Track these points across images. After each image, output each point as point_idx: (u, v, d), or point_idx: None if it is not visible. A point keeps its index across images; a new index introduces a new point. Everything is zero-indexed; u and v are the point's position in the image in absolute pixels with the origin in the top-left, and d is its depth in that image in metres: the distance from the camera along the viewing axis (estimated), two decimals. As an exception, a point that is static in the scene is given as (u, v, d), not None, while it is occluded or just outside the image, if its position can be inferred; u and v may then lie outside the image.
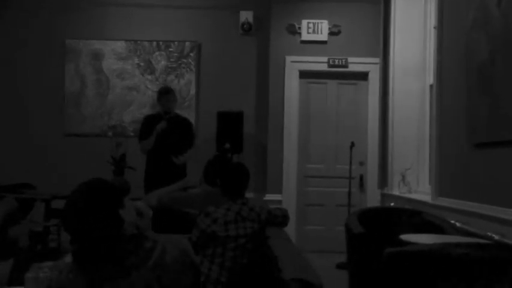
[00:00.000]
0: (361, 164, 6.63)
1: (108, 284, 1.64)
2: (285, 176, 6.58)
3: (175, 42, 6.90)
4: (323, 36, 6.63)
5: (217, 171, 3.59)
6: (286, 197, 6.54)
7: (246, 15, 6.82)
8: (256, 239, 3.14)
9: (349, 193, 6.11)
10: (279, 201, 6.37)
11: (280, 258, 2.44)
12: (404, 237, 3.26)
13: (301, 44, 6.65)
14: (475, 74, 3.67)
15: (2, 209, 4.31)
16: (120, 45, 6.89)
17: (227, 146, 6.24)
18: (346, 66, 6.64)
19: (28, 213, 5.06)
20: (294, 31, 6.64)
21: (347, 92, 6.78)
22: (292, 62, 6.64)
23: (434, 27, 4.78)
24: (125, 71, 6.91)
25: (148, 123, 5.49)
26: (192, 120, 6.26)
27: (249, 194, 3.45)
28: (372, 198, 6.43)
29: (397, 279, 2.77)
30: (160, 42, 6.90)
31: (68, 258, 1.76)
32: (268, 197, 6.48)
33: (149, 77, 6.91)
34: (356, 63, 6.64)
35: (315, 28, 6.63)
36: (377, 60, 6.44)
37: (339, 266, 5.61)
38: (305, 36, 6.63)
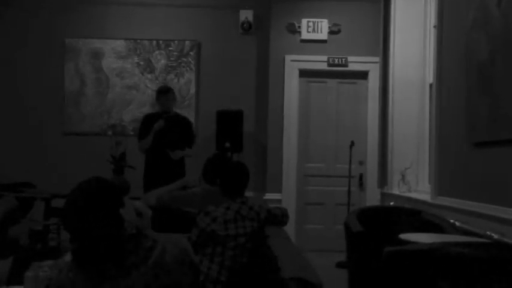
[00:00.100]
0: (361, 163, 6.64)
1: (108, 283, 1.64)
2: (284, 175, 6.58)
3: (175, 41, 6.90)
4: (323, 35, 6.63)
5: (216, 170, 3.59)
6: (285, 196, 6.54)
7: (246, 14, 6.82)
8: (255, 238, 3.14)
9: (349, 192, 6.12)
10: (279, 200, 6.37)
11: (280, 257, 2.44)
12: (404, 236, 3.26)
13: (301, 43, 6.65)
14: (474, 74, 3.67)
15: (2, 208, 4.31)
16: (119, 44, 6.89)
17: (227, 145, 6.24)
18: (346, 65, 6.64)
19: (28, 212, 5.05)
20: (294, 30, 6.64)
21: (347, 91, 6.78)
22: (292, 61, 6.63)
23: (434, 27, 4.78)
24: (124, 70, 6.91)
25: (147, 122, 5.49)
26: (192, 119, 6.26)
27: (248, 193, 3.44)
28: (372, 197, 6.44)
29: (396, 278, 2.77)
30: (160, 41, 6.90)
31: (68, 257, 1.76)
32: (268, 196, 6.48)
33: (149, 76, 6.91)
34: (356, 62, 6.64)
35: (315, 27, 6.62)
36: (377, 59, 6.44)
37: (339, 265, 5.61)
38: (305, 35, 6.63)
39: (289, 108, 6.62)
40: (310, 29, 6.62)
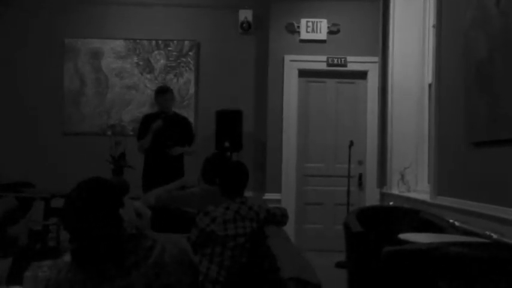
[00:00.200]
0: (360, 163, 6.64)
1: (107, 283, 1.64)
2: (284, 175, 6.58)
3: (175, 41, 6.90)
4: (322, 35, 6.63)
5: (216, 170, 3.58)
6: (285, 195, 6.54)
7: (245, 14, 6.82)
8: (255, 238, 3.13)
9: (348, 192, 6.12)
10: (278, 200, 6.37)
11: (279, 257, 2.44)
12: (403, 236, 3.27)
13: (300, 43, 6.65)
14: (473, 73, 3.67)
15: (2, 208, 4.31)
16: (119, 44, 6.89)
17: (226, 144, 6.24)
18: (345, 65, 6.64)
19: (27, 211, 5.06)
20: (293, 30, 6.64)
21: (346, 91, 6.78)
22: (291, 61, 6.63)
23: (433, 26, 4.78)
24: (124, 69, 6.91)
25: (147, 122, 5.49)
26: (191, 119, 6.26)
27: (248, 193, 3.44)
28: (371, 197, 6.44)
29: (395, 278, 2.77)
30: (160, 41, 6.90)
31: (67, 257, 1.76)
32: (268, 195, 6.48)
33: (148, 76, 6.91)
34: (355, 62, 6.64)
35: (314, 27, 6.62)
36: (376, 59, 6.45)
37: (338, 265, 5.61)
38: (304, 35, 6.63)
39: (289, 108, 6.62)
40: (310, 29, 6.62)
